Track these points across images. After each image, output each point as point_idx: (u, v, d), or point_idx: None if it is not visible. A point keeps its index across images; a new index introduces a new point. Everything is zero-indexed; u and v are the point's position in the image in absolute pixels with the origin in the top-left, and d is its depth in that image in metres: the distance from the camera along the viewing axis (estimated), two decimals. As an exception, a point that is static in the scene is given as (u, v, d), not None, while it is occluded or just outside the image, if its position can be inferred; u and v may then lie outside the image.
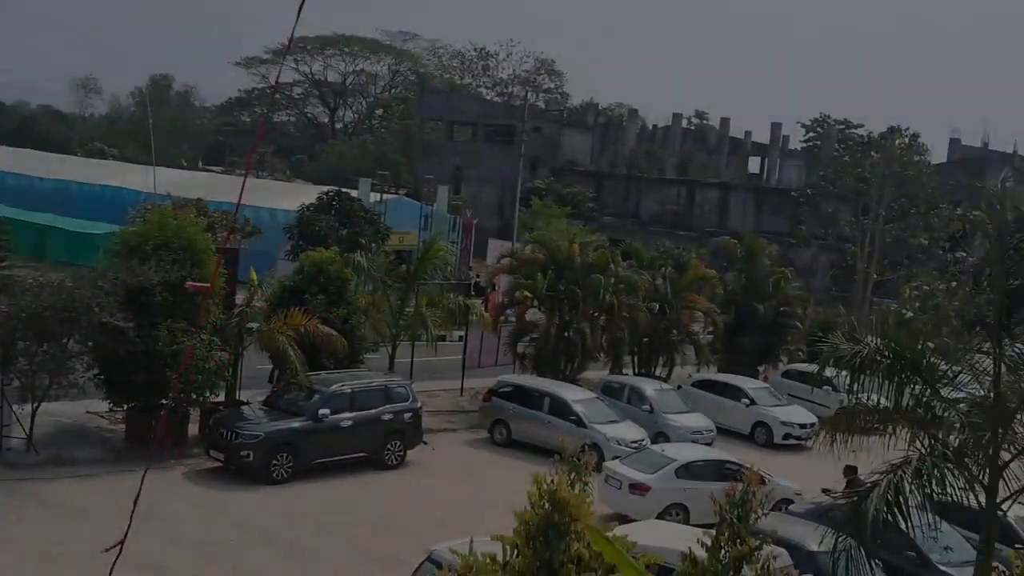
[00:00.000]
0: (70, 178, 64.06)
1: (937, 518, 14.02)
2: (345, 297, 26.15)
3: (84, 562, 15.64)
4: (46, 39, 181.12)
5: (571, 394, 27.22)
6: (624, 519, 20.23)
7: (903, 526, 12.80)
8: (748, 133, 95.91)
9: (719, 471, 21.45)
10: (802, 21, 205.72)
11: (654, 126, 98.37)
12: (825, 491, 21.59)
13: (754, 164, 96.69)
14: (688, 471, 21.85)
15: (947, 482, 12.55)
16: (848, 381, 13.54)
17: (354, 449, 23.32)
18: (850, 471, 20.81)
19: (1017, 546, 15.82)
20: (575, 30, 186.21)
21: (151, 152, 66.46)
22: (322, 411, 22.55)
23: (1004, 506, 13.12)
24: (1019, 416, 12.98)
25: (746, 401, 30.93)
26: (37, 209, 55.80)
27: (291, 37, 8.04)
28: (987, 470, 12.88)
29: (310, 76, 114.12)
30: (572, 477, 10.27)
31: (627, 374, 33.07)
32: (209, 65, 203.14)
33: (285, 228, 43.86)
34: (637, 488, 21.39)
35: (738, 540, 11.01)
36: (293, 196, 51.97)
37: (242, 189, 13.10)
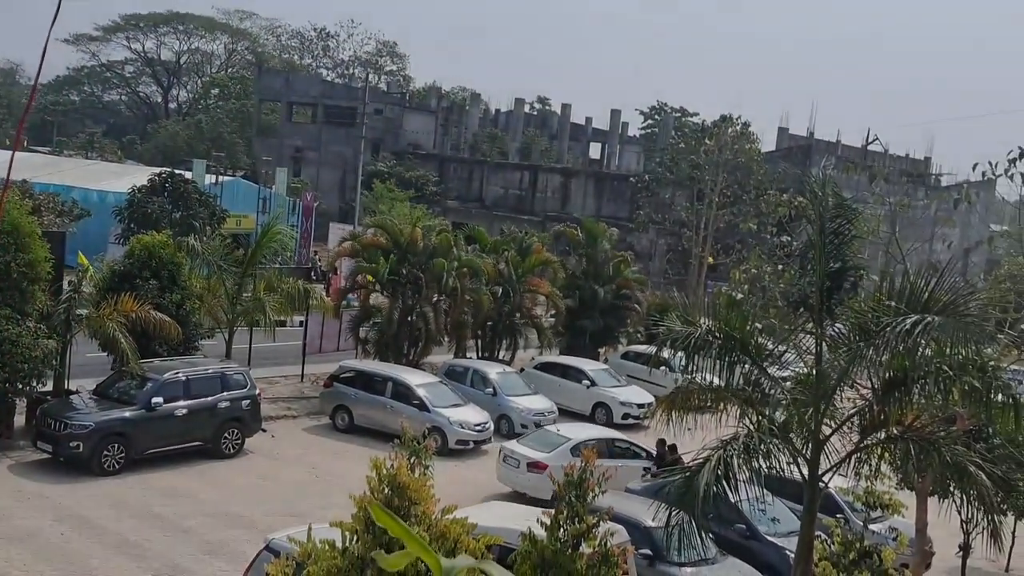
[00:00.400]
0: None
1: (765, 491, 14.61)
2: (178, 282, 25.42)
3: None
4: None
5: (414, 378, 27.18)
6: (522, 497, 20.55)
7: (732, 500, 13.28)
8: (589, 119, 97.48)
9: (610, 449, 22.58)
10: (642, 12, 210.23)
11: (496, 110, 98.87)
12: (646, 471, 22.34)
13: (595, 150, 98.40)
14: (580, 448, 22.50)
15: (773, 456, 13.06)
16: (683, 361, 13.92)
17: (189, 438, 22.72)
18: (662, 444, 21.97)
19: (838, 515, 16.68)
20: (419, 13, 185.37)
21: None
22: (155, 400, 21.88)
23: (825, 478, 13.75)
24: (839, 392, 13.60)
25: (587, 382, 31.51)
26: None
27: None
28: (809, 444, 13.47)
29: (142, 54, 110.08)
30: (412, 461, 10.26)
31: (471, 358, 33.21)
32: (36, 41, 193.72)
33: (115, 211, 42.20)
34: (535, 466, 21.97)
35: (576, 518, 11.23)
36: (124, 178, 50.15)
37: (10, 166, 12.40)
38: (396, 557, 3.04)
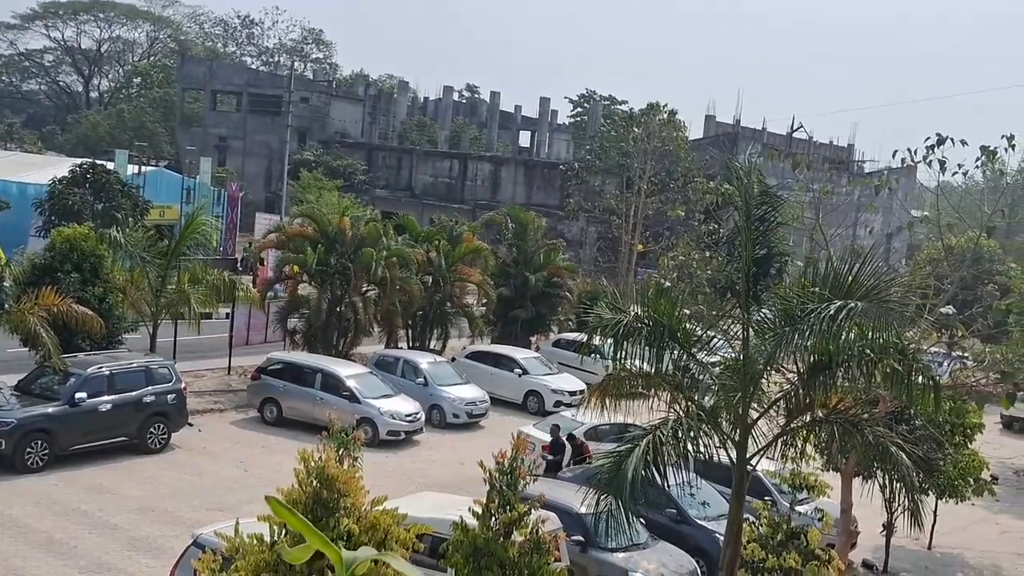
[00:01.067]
0: None
1: (695, 475, 14.76)
2: (101, 275, 24.95)
3: None
4: None
5: (344, 369, 26.96)
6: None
7: (662, 485, 13.39)
8: (518, 108, 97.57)
9: (621, 433, 22.63)
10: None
11: (425, 98, 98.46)
12: (544, 459, 22.17)
13: (525, 138, 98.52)
14: (596, 432, 22.60)
15: (702, 441, 13.20)
16: (613, 348, 13.98)
17: (114, 434, 22.32)
18: (557, 430, 22.16)
19: (765, 498, 16.91)
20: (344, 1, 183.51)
21: None
22: (79, 395, 21.44)
23: (753, 461, 13.93)
24: (765, 377, 13.78)
25: (519, 371, 31.54)
26: None
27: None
28: (737, 428, 13.63)
29: (62, 43, 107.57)
30: (341, 453, 10.17)
31: (401, 348, 33.06)
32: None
33: (35, 203, 41.23)
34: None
35: (508, 506, 11.24)
36: (44, 169, 48.94)
37: None
38: (298, 551, 3.01)
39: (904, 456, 13.18)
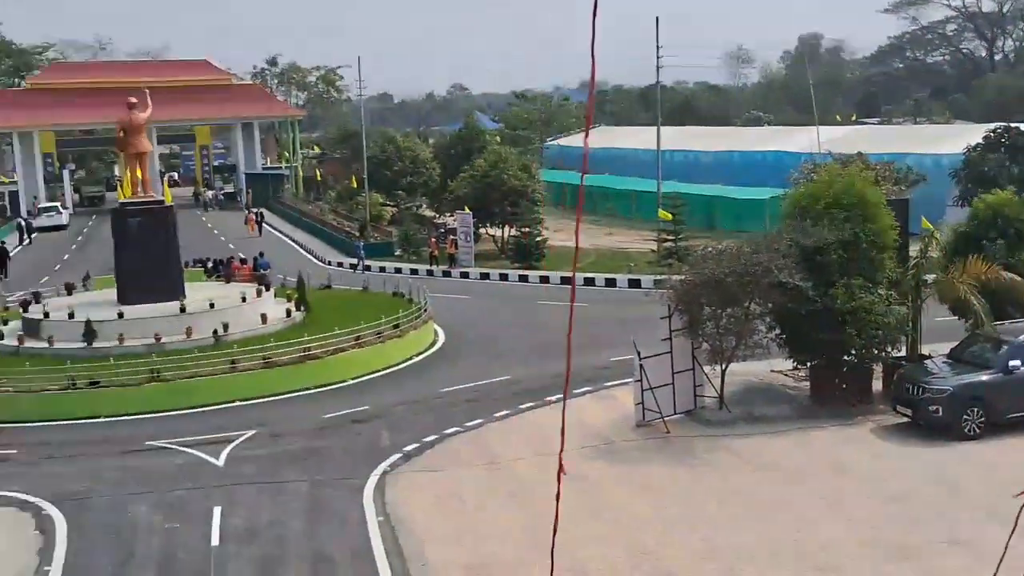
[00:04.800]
0: (731, 148, 67.32)
1: None
2: (1030, 240, 24.20)
3: (802, 517, 16.42)
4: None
5: None
6: None
7: None
8: None
9: None
10: None
11: None
12: None
13: None
14: None
15: None
16: None
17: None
18: None
19: None
20: None
21: (807, 113, 67.27)
22: (1012, 362, 21.11)
23: None
24: None
25: None
26: (703, 181, 59.55)
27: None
28: None
29: (963, 10, 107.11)
30: None
31: None
32: (857, 17, 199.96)
33: (951, 173, 41.74)
34: None
35: None
36: (956, 138, 49.28)
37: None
38: None
39: None
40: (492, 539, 16.64)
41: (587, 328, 29.66)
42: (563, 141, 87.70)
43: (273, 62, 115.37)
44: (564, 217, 58.72)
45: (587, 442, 21.24)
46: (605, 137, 79.76)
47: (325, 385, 27.27)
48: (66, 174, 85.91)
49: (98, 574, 16.24)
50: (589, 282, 41.85)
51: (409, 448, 21.71)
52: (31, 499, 19.70)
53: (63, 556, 16.90)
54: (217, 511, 18.46)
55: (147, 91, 33.41)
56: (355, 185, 63.60)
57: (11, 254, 55.04)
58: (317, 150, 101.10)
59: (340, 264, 51.38)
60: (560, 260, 46.90)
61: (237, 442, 22.71)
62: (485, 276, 45.97)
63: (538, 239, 47.36)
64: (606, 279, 41.75)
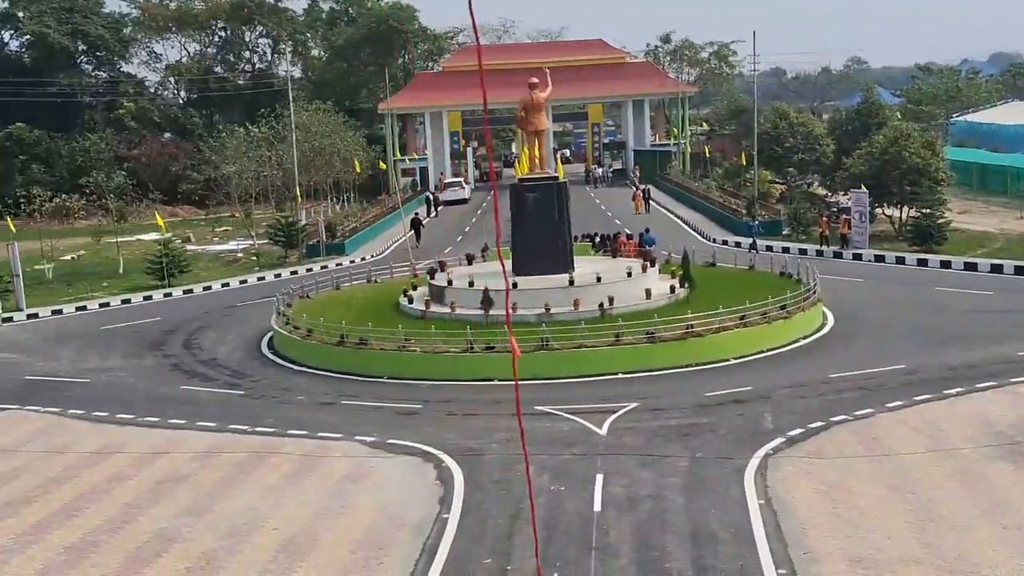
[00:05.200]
0: None
1: None
2: None
3: None
4: None
5: None
6: None
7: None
8: None
9: None
10: None
11: None
12: None
13: None
14: None
15: None
16: None
17: None
18: None
19: None
20: None
21: None
22: None
23: None
24: None
25: None
26: None
27: None
28: None
29: None
30: None
31: None
32: None
33: None
34: None
35: None
36: None
37: None
38: None
39: None
40: (877, 533, 15.84)
41: (992, 318, 27.40)
42: (971, 117, 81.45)
43: (666, 39, 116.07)
44: (971, 198, 54.57)
45: (989, 440, 19.67)
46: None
47: (707, 363, 27.19)
48: (469, 151, 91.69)
49: (490, 525, 17.27)
50: (996, 269, 38.70)
51: (793, 433, 21.13)
52: (433, 451, 21.32)
53: (460, 505, 18.15)
54: (599, 478, 18.99)
55: (547, 71, 34.72)
56: (743, 162, 62.75)
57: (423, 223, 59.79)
58: (706, 127, 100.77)
59: (724, 242, 50.94)
60: (965, 244, 43.69)
61: (619, 413, 23.20)
62: (880, 259, 43.73)
63: (939, 221, 44.49)
64: (1015, 267, 38.32)
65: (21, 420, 25.88)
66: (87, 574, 16.06)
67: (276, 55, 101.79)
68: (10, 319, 40.49)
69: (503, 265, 9.87)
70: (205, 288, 46.26)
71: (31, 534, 17.97)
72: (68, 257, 56.56)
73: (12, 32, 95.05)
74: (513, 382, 25.84)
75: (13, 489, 20.51)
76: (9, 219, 51.87)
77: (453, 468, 20.16)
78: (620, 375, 26.43)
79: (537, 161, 34.15)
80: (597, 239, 42.32)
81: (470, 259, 37.83)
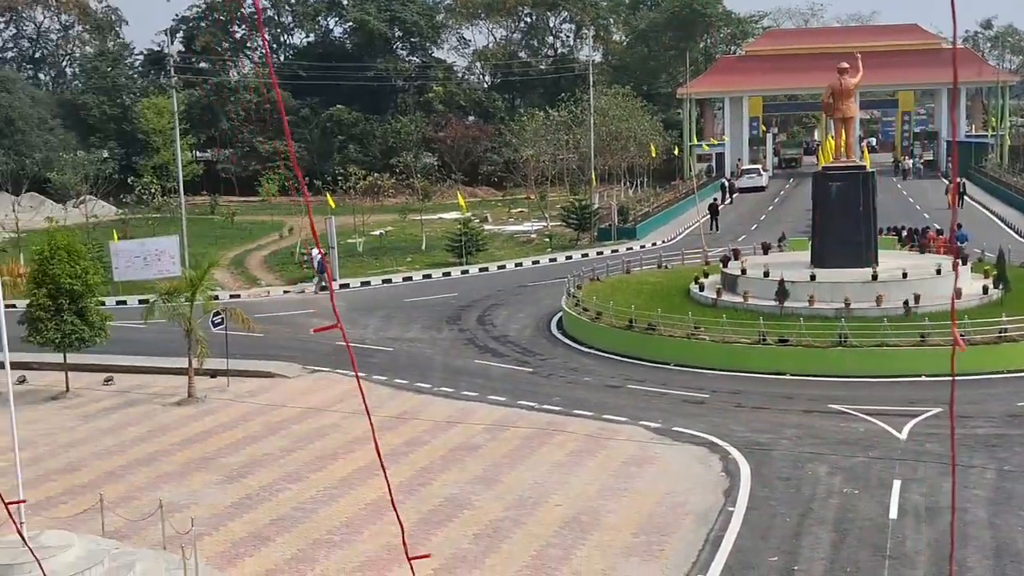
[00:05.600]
0: None
1: None
2: None
3: None
4: None
5: None
6: None
7: None
8: None
9: None
10: None
11: None
12: None
13: None
14: None
15: None
16: None
17: None
18: None
19: None
20: None
21: None
22: None
23: None
24: None
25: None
26: None
27: None
28: None
29: None
30: None
31: None
32: None
33: None
34: None
35: None
36: None
37: None
38: None
39: None
40: None
41: None
42: None
43: (987, 25, 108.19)
44: None
45: None
46: None
47: (1021, 371, 25.20)
48: (769, 137, 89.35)
49: (776, 521, 16.79)
50: None
51: (1121, 453, 19.21)
52: (719, 442, 20.97)
53: (745, 499, 17.76)
54: (896, 484, 18.03)
55: (858, 56, 33.17)
56: (1073, 156, 57.46)
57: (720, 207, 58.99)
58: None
59: (1048, 242, 46.91)
60: None
61: (921, 418, 21.92)
62: None
63: None
64: None
65: (332, 382, 27.73)
66: (384, 531, 16.99)
67: (578, 40, 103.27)
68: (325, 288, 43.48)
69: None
70: (499, 267, 47.68)
71: (337, 488, 19.23)
72: (376, 232, 59.86)
73: (337, 19, 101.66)
74: (808, 377, 25.16)
75: (325, 445, 22.03)
76: (329, 195, 55.47)
77: (740, 461, 19.75)
78: (924, 378, 24.95)
79: (843, 149, 32.76)
80: (904, 233, 40.11)
81: (766, 248, 36.88)
